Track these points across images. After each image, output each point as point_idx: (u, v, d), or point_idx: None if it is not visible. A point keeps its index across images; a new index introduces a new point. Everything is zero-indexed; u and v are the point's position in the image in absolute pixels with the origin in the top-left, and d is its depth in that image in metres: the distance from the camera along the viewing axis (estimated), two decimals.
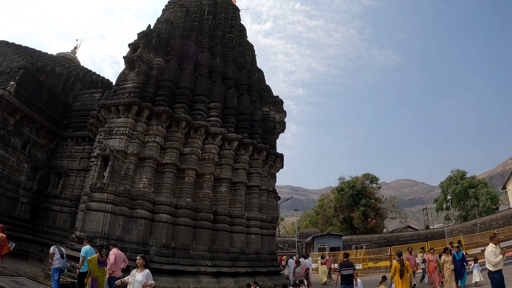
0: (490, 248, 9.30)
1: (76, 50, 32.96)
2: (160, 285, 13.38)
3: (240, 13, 26.69)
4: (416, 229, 64.27)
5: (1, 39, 26.84)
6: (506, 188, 56.12)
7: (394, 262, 11.79)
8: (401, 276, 11.15)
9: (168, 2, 24.17)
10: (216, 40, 22.02)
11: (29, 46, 27.98)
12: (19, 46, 26.42)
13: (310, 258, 22.17)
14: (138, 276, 8.08)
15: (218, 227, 16.80)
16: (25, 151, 21.21)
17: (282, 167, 22.18)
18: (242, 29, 25.18)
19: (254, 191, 19.13)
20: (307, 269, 18.54)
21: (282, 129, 22.98)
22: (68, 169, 22.15)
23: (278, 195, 22.49)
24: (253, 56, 24.54)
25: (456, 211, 65.17)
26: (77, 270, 11.04)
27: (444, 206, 64.02)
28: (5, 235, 9.46)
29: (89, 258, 10.42)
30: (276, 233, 71.73)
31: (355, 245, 44.74)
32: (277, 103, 23.33)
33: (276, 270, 19.40)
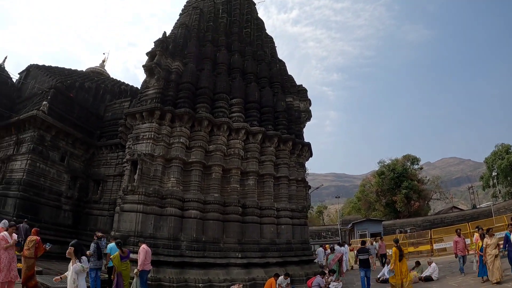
0: None
1: (104, 63, 34.65)
2: (191, 277, 14.60)
3: (257, 6, 27.11)
4: (461, 209, 62.31)
5: (32, 63, 28.63)
6: None
7: (393, 248, 13.66)
8: (400, 260, 13.08)
9: (184, 6, 25.18)
10: (233, 37, 22.83)
11: (59, 66, 29.75)
12: (49, 67, 28.35)
13: (346, 245, 22.25)
14: (69, 271, 7.28)
15: (247, 220, 17.62)
16: (63, 162, 23.33)
17: (311, 155, 22.65)
18: (259, 23, 25.67)
19: (283, 182, 19.73)
20: (342, 256, 18.67)
21: (308, 117, 23.30)
22: (105, 175, 23.67)
23: (322, 184, 22.74)
24: (272, 48, 25.01)
25: (503, 187, 61.71)
26: (105, 266, 12.45)
27: (491, 183, 61.28)
28: (39, 238, 10.48)
29: (112, 256, 11.67)
30: (323, 221, 71.49)
31: (398, 230, 44.22)
32: (301, 92, 23.66)
33: (308, 259, 19.91)
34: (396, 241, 13.83)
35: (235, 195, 17.57)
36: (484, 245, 12.64)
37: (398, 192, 56.62)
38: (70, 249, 7.22)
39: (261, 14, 26.59)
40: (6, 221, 11.74)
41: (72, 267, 7.10)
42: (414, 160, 62.85)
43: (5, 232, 9.37)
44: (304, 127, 23.02)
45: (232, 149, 18.34)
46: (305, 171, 22.28)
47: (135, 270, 11.73)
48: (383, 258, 21.66)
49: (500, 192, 61.51)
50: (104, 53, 39.62)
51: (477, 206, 59.73)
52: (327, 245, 26.71)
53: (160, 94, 17.41)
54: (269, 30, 25.85)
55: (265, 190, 18.87)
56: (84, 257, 7.38)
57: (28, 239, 10.81)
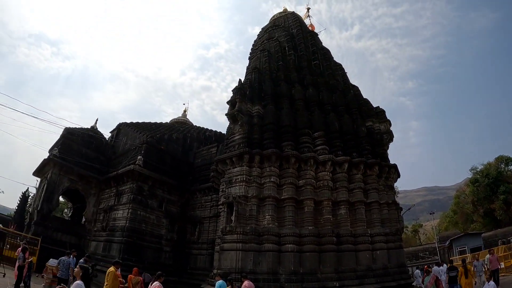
0: None
1: (186, 112, 37.76)
2: None
3: (319, 33, 28.09)
4: None
5: (121, 121, 32.03)
6: None
7: (460, 268, 16.61)
8: (466, 277, 16.12)
9: (252, 49, 26.97)
10: (304, 71, 24.40)
11: (145, 121, 32.92)
12: (137, 123, 31.78)
13: (444, 265, 21.62)
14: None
15: (342, 248, 18.46)
16: (161, 208, 26.41)
17: (399, 176, 23.02)
18: (326, 52, 26.93)
19: (374, 207, 20.37)
20: (437, 278, 18.31)
21: (390, 138, 23.74)
22: (201, 217, 25.78)
23: (414, 200, 22.77)
24: (343, 75, 26.06)
25: None
26: None
27: None
28: (142, 278, 12.05)
29: None
30: (420, 240, 68.50)
31: (501, 240, 41.54)
32: (379, 114, 24.25)
33: (406, 283, 19.82)
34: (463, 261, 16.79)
35: (328, 226, 18.60)
36: None
37: (496, 199, 52.94)
38: (78, 270, 7.54)
39: (323, 37, 27.75)
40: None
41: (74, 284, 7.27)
42: (508, 160, 58.60)
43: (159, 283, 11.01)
44: (387, 148, 23.47)
45: (321, 181, 19.53)
46: (395, 193, 22.44)
47: None
48: (495, 274, 19.90)
49: None
50: (184, 104, 43.39)
51: None
52: (426, 266, 26.06)
53: (246, 138, 19.25)
54: (334, 51, 26.95)
55: (357, 217, 19.65)
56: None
57: (133, 279, 12.47)
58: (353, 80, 26.11)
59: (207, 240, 24.59)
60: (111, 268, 12.39)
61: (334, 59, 27.47)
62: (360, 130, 22.20)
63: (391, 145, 23.78)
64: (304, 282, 16.61)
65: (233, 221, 17.14)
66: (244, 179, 18.20)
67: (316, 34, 29.51)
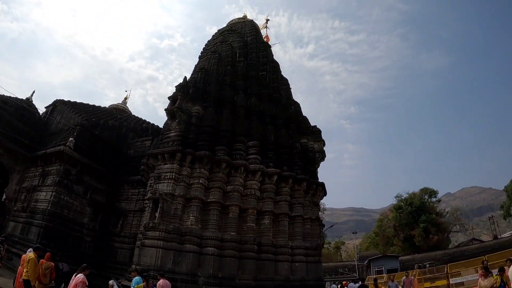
0: None
1: (127, 100, 36.91)
2: None
3: (273, 45, 28.52)
4: (482, 241, 61.69)
5: (59, 98, 30.76)
6: None
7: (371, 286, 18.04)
8: None
9: (204, 49, 26.94)
10: (250, 80, 24.63)
11: (83, 102, 31.66)
12: (74, 103, 30.61)
13: (360, 282, 22.63)
14: None
15: (262, 257, 18.86)
16: (87, 196, 25.20)
17: (325, 194, 23.90)
18: (275, 65, 27.41)
19: (297, 221, 21.01)
20: None
21: (322, 157, 24.65)
22: (126, 210, 25.24)
23: (340, 218, 23.58)
24: (288, 90, 26.69)
25: None
26: None
27: None
28: (53, 263, 11.75)
29: (136, 286, 12.79)
30: (341, 257, 71.15)
31: (417, 265, 44.02)
32: (315, 133, 25.15)
33: None
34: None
35: (251, 234, 18.94)
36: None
37: (416, 226, 56.91)
38: None
39: (277, 49, 28.21)
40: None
41: None
42: (432, 193, 63.27)
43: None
44: (318, 166, 24.36)
45: (248, 190, 19.84)
46: (319, 210, 23.28)
47: None
48: None
49: None
50: (126, 91, 41.91)
51: (499, 237, 59.16)
52: (344, 282, 27.11)
53: (181, 136, 19.19)
54: (286, 65, 27.66)
55: (280, 229, 20.16)
56: None
57: (44, 264, 12.05)
58: (299, 96, 27.00)
59: (129, 234, 23.90)
60: (31, 254, 11.68)
61: (283, 73, 28.21)
62: (295, 145, 22.88)
63: (325, 163, 24.64)
64: (222, 286, 16.78)
65: (157, 218, 16.85)
66: (173, 177, 18.07)
67: (269, 46, 30.01)
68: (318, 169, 24.15)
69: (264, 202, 20.07)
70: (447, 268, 30.15)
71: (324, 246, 71.16)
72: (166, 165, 18.54)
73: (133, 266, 16.46)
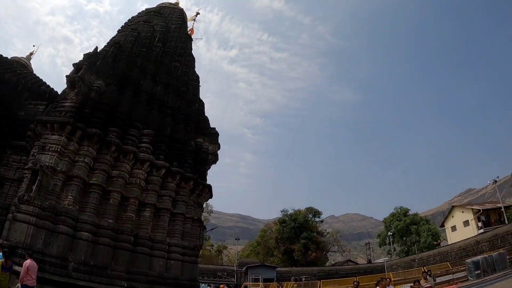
0: None
1: (32, 56, 33.79)
2: None
3: (198, 42, 28.19)
4: (356, 263, 67.23)
5: None
6: (444, 226, 60.65)
7: None
8: None
9: (125, 24, 26.05)
10: (162, 68, 24.03)
11: None
12: None
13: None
14: None
15: (138, 250, 18.28)
16: None
17: (211, 197, 24.02)
18: (191, 59, 27.16)
19: (179, 218, 20.95)
20: None
21: (215, 160, 24.89)
22: (4, 177, 22.47)
23: (211, 223, 23.64)
24: (196, 87, 26.58)
25: (398, 246, 69.98)
26: None
27: (387, 241, 67.63)
28: None
29: None
30: (222, 261, 72.20)
31: (294, 277, 46.32)
32: (213, 135, 25.39)
33: None
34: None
35: (129, 224, 18.27)
36: None
37: (297, 241, 60.64)
38: None
39: (201, 45, 27.85)
40: None
41: None
42: (316, 213, 68.19)
43: None
44: (209, 168, 24.65)
45: (134, 178, 19.18)
46: (203, 211, 23.22)
47: (17, 285, 11.72)
48: None
49: (395, 250, 67.99)
50: (34, 46, 37.70)
51: (372, 261, 65.17)
52: (222, 285, 28.09)
53: (76, 109, 17.88)
54: (205, 63, 27.38)
55: (160, 224, 19.81)
56: None
57: None
58: (209, 96, 26.90)
59: (3, 205, 21.72)
60: None
61: (199, 69, 28.08)
62: (190, 143, 22.75)
63: (220, 167, 24.76)
64: (93, 275, 15.83)
65: (33, 191, 15.26)
66: (59, 150, 16.63)
67: (191, 40, 29.47)
68: (210, 172, 24.38)
69: (148, 193, 19.57)
70: (320, 283, 32.12)
71: (207, 248, 71.77)
72: (54, 136, 16.97)
73: (0, 241, 14.93)
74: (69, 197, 16.55)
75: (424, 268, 22.89)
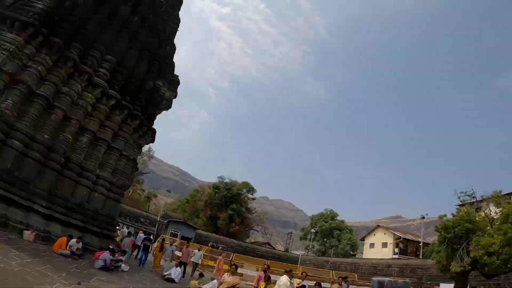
0: (284, 279, 11.43)
1: None
2: None
3: None
4: (273, 248, 69.48)
5: None
6: (364, 240, 64.32)
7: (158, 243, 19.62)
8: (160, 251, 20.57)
9: None
10: None
11: None
12: None
13: (141, 234, 24.90)
14: None
15: (65, 173, 17.94)
16: None
17: (152, 141, 24.18)
18: (178, 1, 25.73)
19: (114, 154, 20.79)
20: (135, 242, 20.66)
21: (167, 107, 24.66)
22: None
23: (149, 168, 23.60)
24: (174, 30, 25.88)
25: (317, 245, 73.31)
26: None
27: (309, 237, 70.57)
28: None
29: None
30: (148, 208, 72.36)
31: (211, 243, 47.64)
32: (173, 82, 25.10)
33: (109, 235, 20.84)
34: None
35: (63, 145, 17.80)
36: None
37: (225, 211, 61.64)
38: None
39: None
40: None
41: None
42: (251, 189, 68.76)
43: None
44: (159, 113, 24.45)
45: (82, 101, 18.57)
46: (140, 153, 23.16)
47: None
48: (181, 265, 20.85)
49: (313, 247, 71.53)
50: None
51: (289, 251, 68.28)
52: (140, 231, 29.10)
53: (45, 12, 16.63)
54: (195, 10, 26.31)
55: (94, 154, 19.54)
56: None
57: None
58: (186, 43, 26.55)
59: None
60: None
61: (185, 15, 26.99)
62: (148, 83, 22.33)
63: (175, 118, 24.67)
64: (15, 186, 15.13)
65: None
66: (12, 50, 15.40)
67: None
68: (162, 118, 24.25)
69: (91, 120, 19.11)
70: (233, 256, 33.46)
71: (138, 191, 71.39)
72: (10, 34, 15.80)
73: None
74: (9, 101, 15.59)
75: (343, 275, 23.86)
